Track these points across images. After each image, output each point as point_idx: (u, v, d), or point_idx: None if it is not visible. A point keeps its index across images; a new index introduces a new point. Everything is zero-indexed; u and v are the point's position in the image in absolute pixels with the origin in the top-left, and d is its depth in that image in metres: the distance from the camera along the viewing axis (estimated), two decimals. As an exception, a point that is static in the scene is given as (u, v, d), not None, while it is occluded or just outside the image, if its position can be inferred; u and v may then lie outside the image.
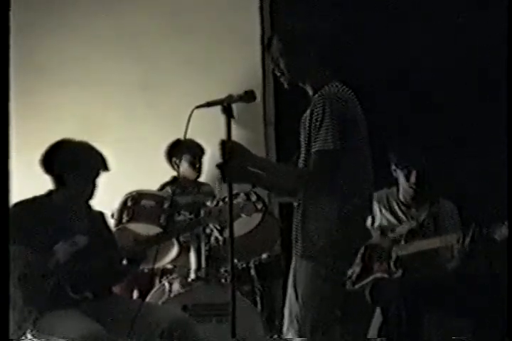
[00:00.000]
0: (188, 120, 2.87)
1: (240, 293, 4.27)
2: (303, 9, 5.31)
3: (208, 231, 4.44)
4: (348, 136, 2.91)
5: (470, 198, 4.75)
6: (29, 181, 4.16)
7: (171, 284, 4.39)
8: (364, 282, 4.04)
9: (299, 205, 3.03)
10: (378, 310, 4.06)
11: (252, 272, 4.55)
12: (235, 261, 4.32)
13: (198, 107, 2.90)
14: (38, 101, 5.48)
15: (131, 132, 5.48)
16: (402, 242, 4.16)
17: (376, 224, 4.36)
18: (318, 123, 2.91)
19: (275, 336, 4.38)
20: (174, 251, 4.43)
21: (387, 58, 5.23)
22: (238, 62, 5.53)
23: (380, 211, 4.38)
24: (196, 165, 5.10)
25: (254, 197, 4.16)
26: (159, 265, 4.46)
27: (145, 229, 4.17)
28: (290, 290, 3.05)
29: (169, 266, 4.59)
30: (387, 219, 4.38)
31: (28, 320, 3.31)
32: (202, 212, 3.98)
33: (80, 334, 3.21)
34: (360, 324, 3.39)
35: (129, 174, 4.97)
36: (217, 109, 2.92)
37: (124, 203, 4.24)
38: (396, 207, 4.39)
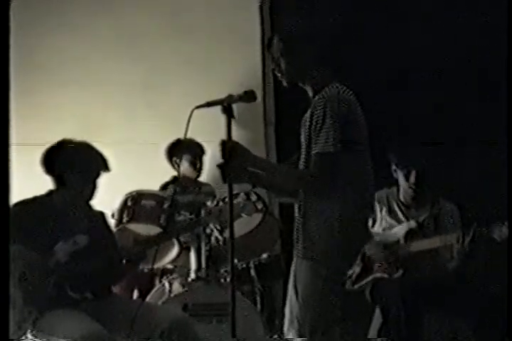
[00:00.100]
0: (188, 120, 2.86)
1: (240, 293, 4.27)
2: (303, 9, 5.30)
3: (208, 231, 4.44)
4: (348, 138, 2.91)
5: (470, 198, 4.75)
6: (29, 181, 4.16)
7: (171, 284, 4.39)
8: (364, 282, 4.04)
9: (300, 206, 3.03)
10: (378, 310, 4.07)
11: (252, 272, 4.54)
12: (235, 261, 4.32)
13: (198, 107, 2.90)
14: (38, 101, 5.47)
15: (132, 132, 5.48)
16: (402, 242, 4.16)
17: (376, 224, 4.36)
18: (318, 125, 2.91)
19: (275, 336, 4.39)
20: (174, 251, 4.43)
21: (387, 58, 5.23)
22: (238, 62, 5.53)
23: (380, 211, 4.38)
24: (197, 164, 5.10)
25: (254, 197, 4.16)
26: (159, 265, 4.46)
27: (145, 229, 4.17)
28: (291, 290, 3.05)
29: (169, 266, 4.59)
30: (387, 219, 4.38)
31: (28, 320, 3.31)
32: (202, 212, 3.99)
33: (80, 334, 3.21)
34: (360, 324, 3.38)
35: (129, 174, 4.97)
36: (218, 109, 2.91)
37: (124, 203, 4.24)
38: (396, 207, 4.39)
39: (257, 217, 4.28)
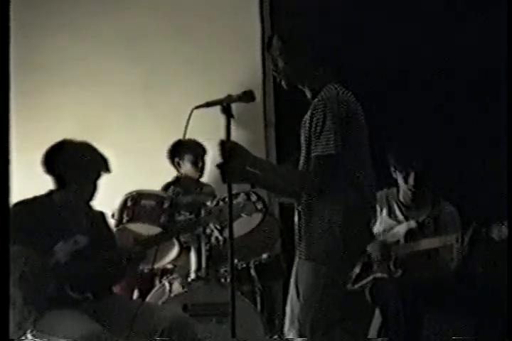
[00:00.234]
0: (188, 120, 2.87)
1: (240, 293, 4.27)
2: (303, 9, 5.30)
3: (208, 231, 4.44)
4: (349, 140, 2.91)
5: (470, 198, 4.75)
6: (29, 181, 4.16)
7: (171, 284, 4.39)
8: (364, 282, 4.04)
9: (301, 207, 3.03)
10: (378, 310, 4.07)
11: (252, 272, 4.54)
12: (235, 261, 4.33)
13: (197, 107, 2.90)
14: (38, 101, 5.48)
15: (132, 132, 5.48)
16: (402, 242, 4.17)
17: (376, 224, 4.36)
18: (319, 127, 2.91)
19: (275, 336, 4.39)
20: (174, 251, 4.43)
21: (387, 58, 5.23)
22: (238, 62, 5.53)
23: (380, 211, 4.38)
24: (198, 164, 5.10)
25: (254, 197, 4.16)
26: (159, 265, 4.46)
27: (145, 229, 4.17)
28: (292, 290, 3.05)
29: (169, 266, 4.59)
30: (387, 220, 4.38)
31: (28, 320, 3.31)
32: (202, 212, 3.99)
33: (80, 334, 3.21)
34: (360, 324, 3.39)
35: (130, 174, 4.97)
36: (218, 109, 2.92)
37: (124, 203, 4.24)
38: (396, 208, 4.39)
39: (257, 217, 4.28)
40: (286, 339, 3.05)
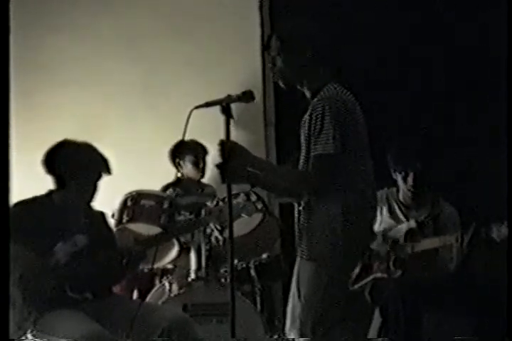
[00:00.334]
0: (187, 120, 2.87)
1: (240, 293, 4.27)
2: (302, 9, 5.31)
3: (208, 231, 4.44)
4: (348, 139, 2.90)
5: (470, 198, 4.75)
6: (29, 181, 4.16)
7: (171, 284, 4.39)
8: (364, 282, 4.04)
9: (302, 208, 3.02)
10: (378, 310, 4.07)
11: (252, 272, 4.54)
12: (235, 261, 4.33)
13: (196, 108, 2.90)
14: (38, 101, 5.48)
15: (132, 132, 5.48)
16: (402, 242, 4.17)
17: (376, 224, 4.36)
18: (318, 127, 2.91)
19: (275, 336, 4.39)
20: (174, 251, 4.43)
21: (387, 58, 5.23)
22: (238, 62, 5.53)
23: (380, 211, 4.38)
24: (200, 165, 5.10)
25: (254, 197, 4.16)
26: (159, 265, 4.46)
27: (145, 229, 4.17)
28: (293, 290, 3.05)
29: (169, 266, 4.59)
30: (387, 220, 4.38)
31: (28, 320, 3.32)
32: (202, 212, 3.99)
33: (80, 334, 3.21)
34: (360, 324, 3.39)
35: (130, 174, 4.97)
36: (218, 109, 2.92)
37: (124, 203, 4.24)
38: (396, 208, 4.40)
39: (257, 217, 4.28)
40: (287, 339, 3.05)
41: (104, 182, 3.62)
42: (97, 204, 3.69)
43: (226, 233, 4.25)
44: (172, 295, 4.25)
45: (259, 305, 4.50)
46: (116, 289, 3.90)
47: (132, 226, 4.22)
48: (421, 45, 5.24)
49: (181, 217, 4.38)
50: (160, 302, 4.18)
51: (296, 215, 3.07)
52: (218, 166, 2.92)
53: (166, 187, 5.04)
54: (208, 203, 4.20)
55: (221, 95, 2.93)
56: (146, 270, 4.47)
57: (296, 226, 3.06)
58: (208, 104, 2.92)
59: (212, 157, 4.91)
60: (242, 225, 4.17)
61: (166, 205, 4.20)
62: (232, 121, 2.89)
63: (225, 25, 5.57)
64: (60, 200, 3.56)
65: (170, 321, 3.43)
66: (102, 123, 5.39)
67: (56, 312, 3.34)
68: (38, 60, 5.50)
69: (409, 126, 5.15)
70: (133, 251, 3.58)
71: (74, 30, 5.52)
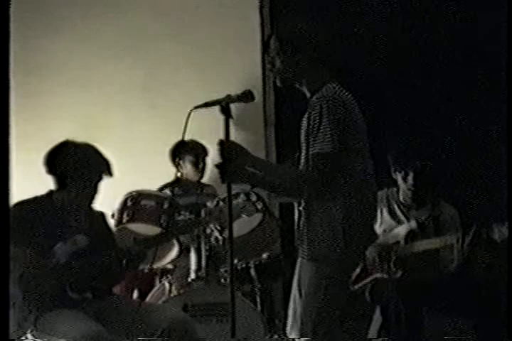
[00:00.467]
0: (186, 121, 2.87)
1: (240, 293, 4.27)
2: (302, 9, 5.31)
3: (208, 231, 4.44)
4: (346, 138, 2.90)
5: (470, 199, 4.75)
6: (29, 181, 4.16)
7: (171, 284, 4.39)
8: (364, 282, 4.04)
9: (303, 208, 3.02)
10: (378, 310, 4.07)
11: (252, 272, 4.54)
12: (235, 261, 4.33)
13: (196, 108, 2.90)
14: (38, 101, 5.48)
15: (132, 133, 5.48)
16: (402, 242, 4.16)
17: (377, 224, 4.36)
18: (316, 126, 2.90)
19: (275, 336, 4.39)
20: (174, 251, 4.43)
21: (387, 58, 5.23)
22: (238, 62, 5.53)
23: (381, 212, 4.38)
24: (199, 165, 5.10)
25: (254, 198, 4.16)
26: (159, 265, 4.46)
27: (145, 229, 4.17)
28: (294, 290, 3.05)
29: (169, 266, 4.59)
30: (388, 220, 4.38)
31: (28, 320, 3.32)
32: (202, 212, 3.98)
33: (81, 334, 3.21)
34: (360, 324, 3.39)
35: (129, 174, 4.97)
36: (218, 109, 2.92)
37: (124, 203, 4.24)
38: (396, 208, 4.40)
39: (257, 217, 4.27)
40: (288, 339, 3.05)
41: (104, 182, 3.62)
42: (97, 204, 3.69)
43: (226, 233, 4.24)
44: (172, 295, 4.25)
45: (259, 305, 4.50)
46: (116, 289, 3.89)
47: (132, 226, 4.22)
48: (421, 45, 5.24)
49: (181, 217, 4.38)
50: (160, 303, 4.18)
51: (296, 215, 3.07)
52: (218, 166, 2.92)
53: (163, 187, 5.04)
54: (208, 203, 4.19)
55: (222, 95, 2.93)
56: (146, 270, 4.47)
57: (296, 226, 3.06)
58: (207, 104, 2.93)
59: (212, 157, 4.91)
60: (242, 225, 4.17)
61: (166, 205, 4.20)
62: (231, 121, 2.89)
63: (225, 25, 5.57)
64: (61, 200, 3.56)
65: (170, 321, 3.43)
66: (102, 123, 5.39)
67: (56, 312, 3.34)
68: (38, 61, 5.50)
69: (409, 126, 5.15)
70: (133, 251, 3.58)
71: (74, 30, 5.52)
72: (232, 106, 2.90)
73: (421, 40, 5.23)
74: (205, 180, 5.17)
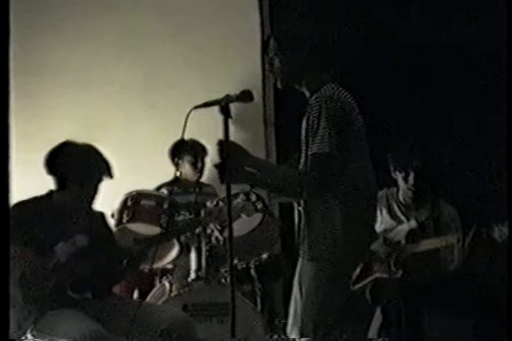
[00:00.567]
0: (186, 120, 2.86)
1: (240, 293, 4.27)
2: (302, 9, 5.31)
3: (208, 231, 4.44)
4: (345, 138, 2.90)
5: (470, 198, 4.75)
6: (29, 181, 4.16)
7: (171, 284, 4.39)
8: (364, 282, 4.04)
9: (303, 208, 3.02)
10: (378, 310, 4.07)
11: (252, 272, 4.54)
12: (235, 261, 4.32)
13: (195, 108, 2.90)
14: (38, 101, 5.48)
15: (132, 133, 5.48)
16: (403, 242, 4.16)
17: (377, 224, 4.36)
18: (314, 126, 2.90)
19: (275, 336, 4.39)
20: (175, 251, 4.43)
21: (387, 58, 5.23)
22: (238, 62, 5.53)
23: (380, 211, 4.38)
24: (198, 165, 5.10)
25: (254, 197, 4.16)
26: (160, 265, 4.46)
27: (145, 229, 4.17)
28: (295, 290, 3.05)
29: (169, 266, 4.59)
30: (388, 220, 4.38)
31: (29, 320, 3.32)
32: (202, 212, 3.98)
33: (80, 334, 3.21)
34: (360, 324, 3.39)
35: (129, 174, 4.96)
36: (218, 109, 2.92)
37: (124, 203, 4.24)
38: (396, 208, 4.40)
39: (257, 217, 4.27)
40: (288, 339, 3.05)
41: (104, 182, 3.62)
42: (97, 204, 3.69)
43: (226, 233, 4.24)
44: (172, 295, 4.25)
45: (259, 305, 4.50)
46: (116, 289, 3.89)
47: (132, 226, 4.22)
48: (421, 45, 5.24)
49: (181, 217, 4.38)
50: (160, 303, 4.18)
51: (296, 215, 3.07)
52: (217, 166, 2.92)
53: (160, 186, 5.04)
54: (208, 203, 4.19)
55: (221, 95, 2.93)
56: (146, 270, 4.47)
57: (297, 226, 3.06)
58: (206, 104, 2.92)
59: (212, 157, 4.91)
60: (242, 225, 4.17)
61: (166, 205, 4.20)
62: (231, 121, 2.89)
63: (225, 25, 5.57)
64: (61, 201, 3.56)
65: (170, 321, 3.43)
66: (102, 123, 5.39)
67: (56, 312, 3.34)
68: (38, 61, 5.50)
69: (410, 126, 5.15)
70: (133, 251, 3.58)
71: (74, 30, 5.52)
72: (232, 106, 2.90)
73: (421, 40, 5.23)
74: (204, 180, 5.17)
